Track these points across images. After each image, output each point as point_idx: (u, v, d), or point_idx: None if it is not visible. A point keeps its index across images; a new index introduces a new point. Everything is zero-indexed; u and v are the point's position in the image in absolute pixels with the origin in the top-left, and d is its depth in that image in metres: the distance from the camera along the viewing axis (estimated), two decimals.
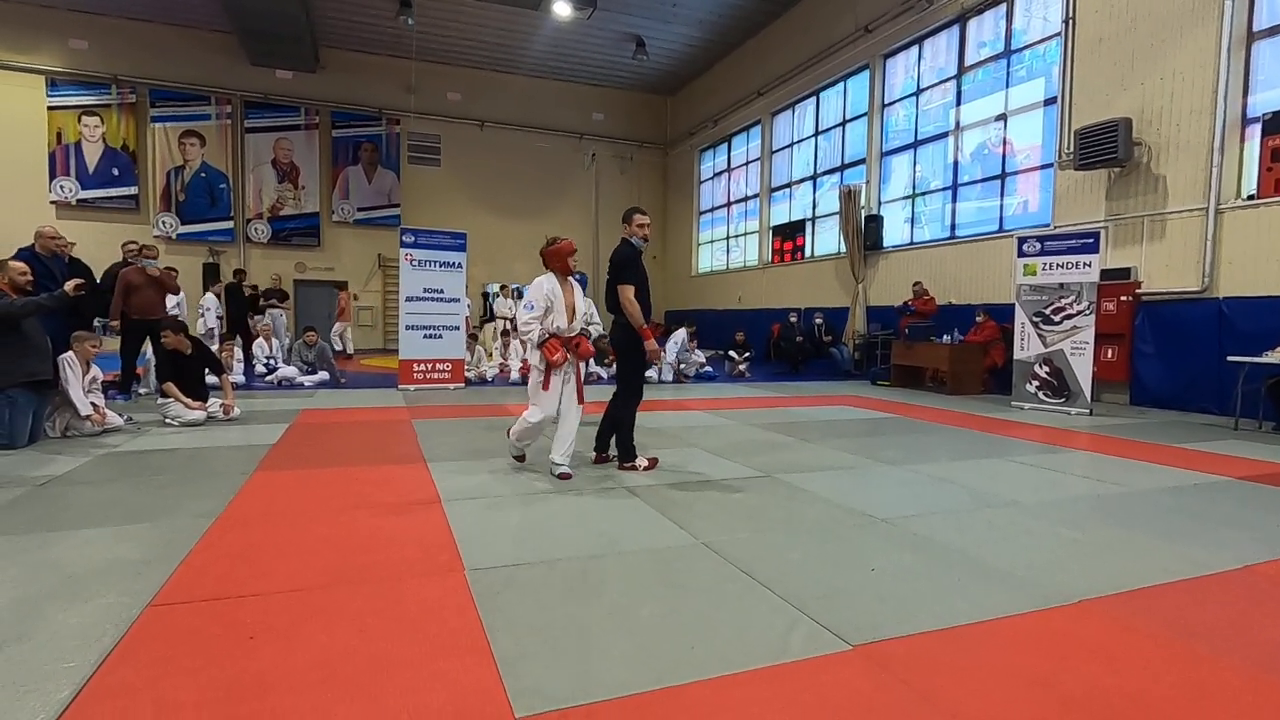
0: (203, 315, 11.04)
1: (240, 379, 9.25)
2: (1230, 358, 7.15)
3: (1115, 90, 8.91)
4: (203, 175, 17.34)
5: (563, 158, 20.56)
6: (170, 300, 8.22)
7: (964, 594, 2.60)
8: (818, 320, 13.72)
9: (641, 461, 4.63)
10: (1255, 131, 7.77)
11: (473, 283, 17.13)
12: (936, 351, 10.22)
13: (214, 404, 6.42)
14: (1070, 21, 9.46)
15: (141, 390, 8.04)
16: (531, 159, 20.18)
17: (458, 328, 9.66)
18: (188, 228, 17.23)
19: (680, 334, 11.69)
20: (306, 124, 18.11)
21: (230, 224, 17.66)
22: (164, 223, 16.99)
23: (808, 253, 15.68)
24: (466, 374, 10.04)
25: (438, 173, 19.56)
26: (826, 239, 15.04)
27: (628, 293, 4.44)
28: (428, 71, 18.72)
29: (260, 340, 10.43)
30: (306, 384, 9.46)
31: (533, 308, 4.29)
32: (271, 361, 9.87)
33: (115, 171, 16.64)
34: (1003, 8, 10.87)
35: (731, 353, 12.86)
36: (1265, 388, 6.92)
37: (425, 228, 10.25)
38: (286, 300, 13.77)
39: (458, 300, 9.64)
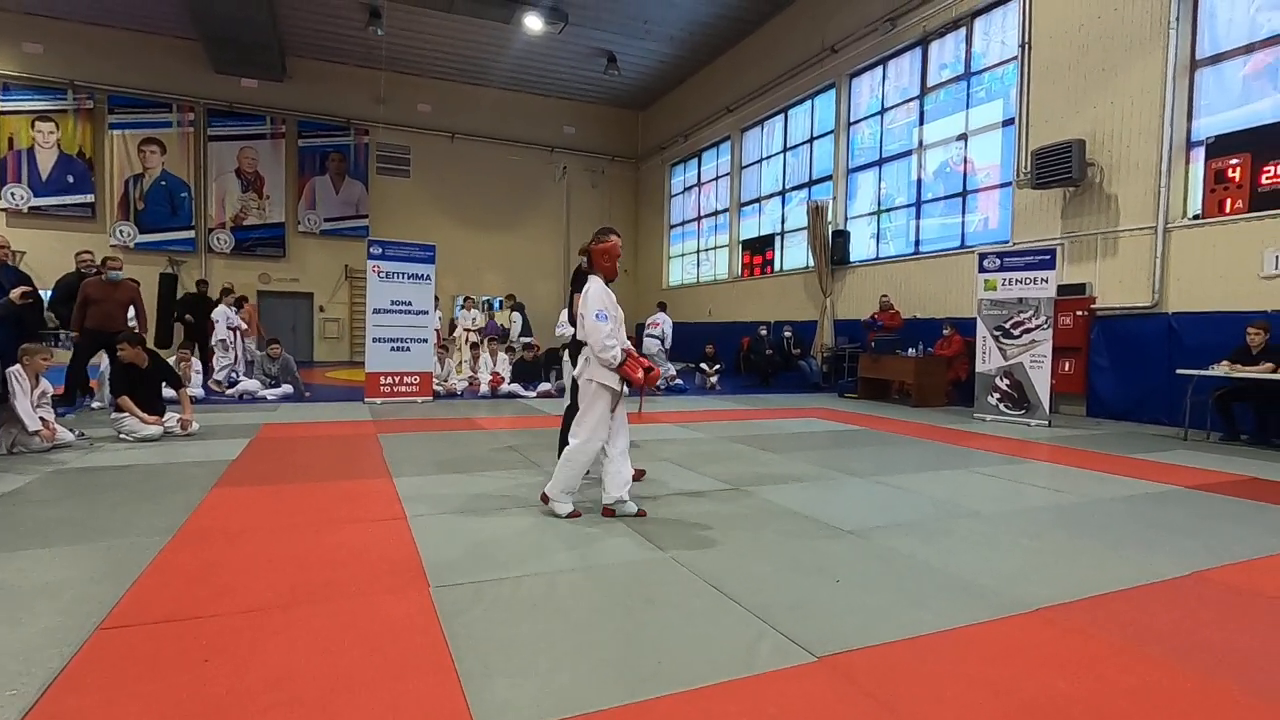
0: (216, 324, 10.78)
1: (199, 392, 9.01)
2: (1179, 371, 7.42)
3: (1069, 113, 9.25)
4: (163, 184, 16.96)
5: (534, 171, 20.57)
6: (129, 312, 7.99)
7: (927, 604, 2.64)
8: (787, 333, 13.89)
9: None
10: (1200, 154, 8.13)
11: (443, 294, 17.06)
12: (902, 365, 10.41)
13: (171, 419, 6.24)
14: (1026, 46, 9.81)
15: (94, 404, 7.78)
16: (502, 171, 20.15)
17: (426, 340, 9.56)
18: (147, 237, 16.81)
19: (660, 316, 11.85)
20: (272, 133, 17.85)
21: (191, 233, 17.28)
22: (121, 231, 16.55)
23: (777, 267, 15.89)
24: (435, 387, 9.92)
25: (407, 184, 19.41)
26: (795, 253, 15.27)
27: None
28: (397, 82, 18.62)
29: (220, 353, 10.18)
30: (269, 398, 9.25)
31: (606, 318, 3.59)
32: (233, 374, 9.63)
33: (70, 179, 16.18)
34: (963, 31, 11.23)
35: (702, 365, 12.93)
36: (1212, 399, 7.19)
37: (393, 239, 10.16)
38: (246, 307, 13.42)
39: (426, 312, 9.55)
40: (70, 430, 5.73)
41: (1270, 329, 6.84)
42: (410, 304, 9.35)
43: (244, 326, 11.03)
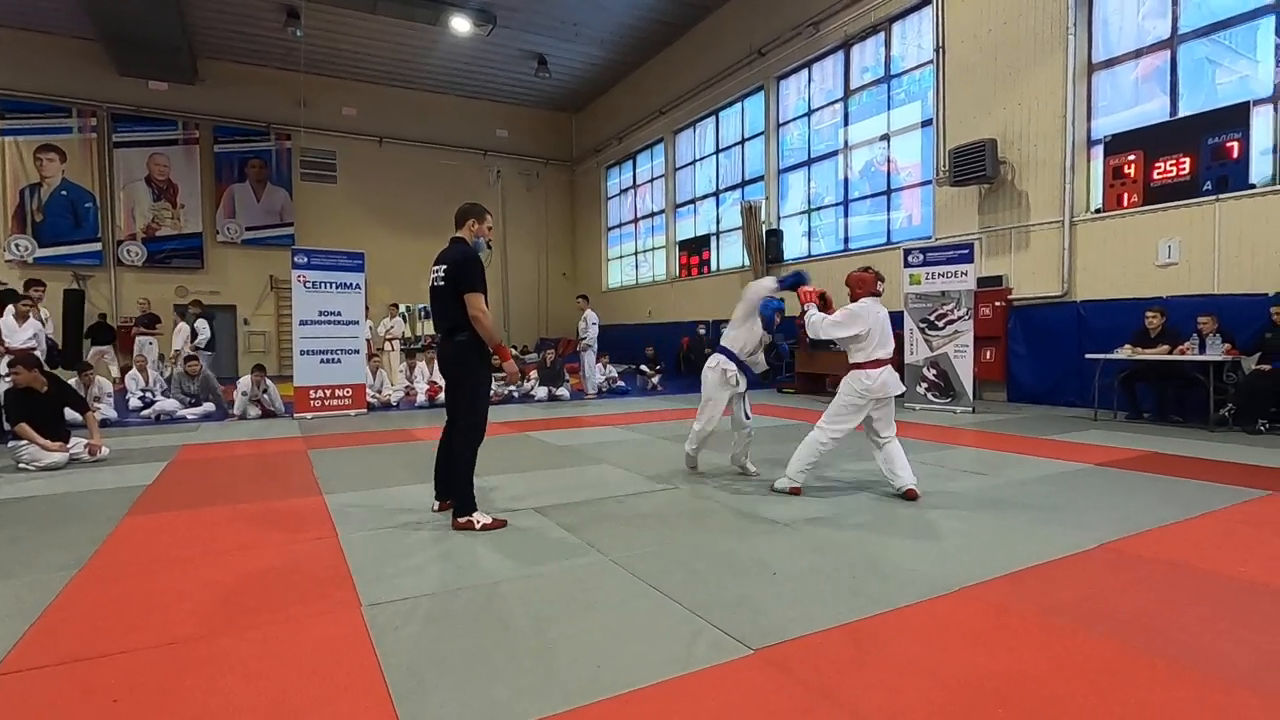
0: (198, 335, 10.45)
1: (111, 414, 8.46)
2: (1088, 355, 7.91)
3: (982, 113, 9.73)
4: (64, 193, 15.87)
5: (467, 175, 20.22)
6: (25, 330, 7.44)
7: (859, 591, 2.73)
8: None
9: (482, 518, 3.69)
10: (1099, 152, 8.68)
11: (377, 304, 16.56)
12: (834, 358, 10.71)
13: (77, 444, 5.84)
14: (941, 50, 10.26)
15: None
16: (434, 176, 19.71)
17: (358, 351, 9.26)
18: (48, 251, 15.68)
19: (589, 315, 11.59)
20: (185, 138, 16.95)
21: (98, 245, 16.23)
22: (17, 245, 15.39)
23: (714, 266, 16.11)
24: (369, 399, 9.62)
25: (334, 190, 18.78)
26: (731, 253, 15.52)
27: (479, 302, 3.65)
28: (320, 85, 17.99)
29: (134, 372, 9.59)
30: (189, 417, 8.77)
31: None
32: (148, 395, 9.09)
33: None
34: (882, 35, 11.65)
35: (643, 367, 12.98)
36: (1118, 381, 7.68)
37: (320, 248, 9.80)
38: (159, 326, 12.71)
39: (357, 323, 9.25)
40: None
41: (1166, 313, 7.36)
42: (339, 314, 9.04)
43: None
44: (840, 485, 4.65)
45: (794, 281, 4.72)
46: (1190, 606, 2.54)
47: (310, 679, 2.07)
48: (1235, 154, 7.35)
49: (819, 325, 4.37)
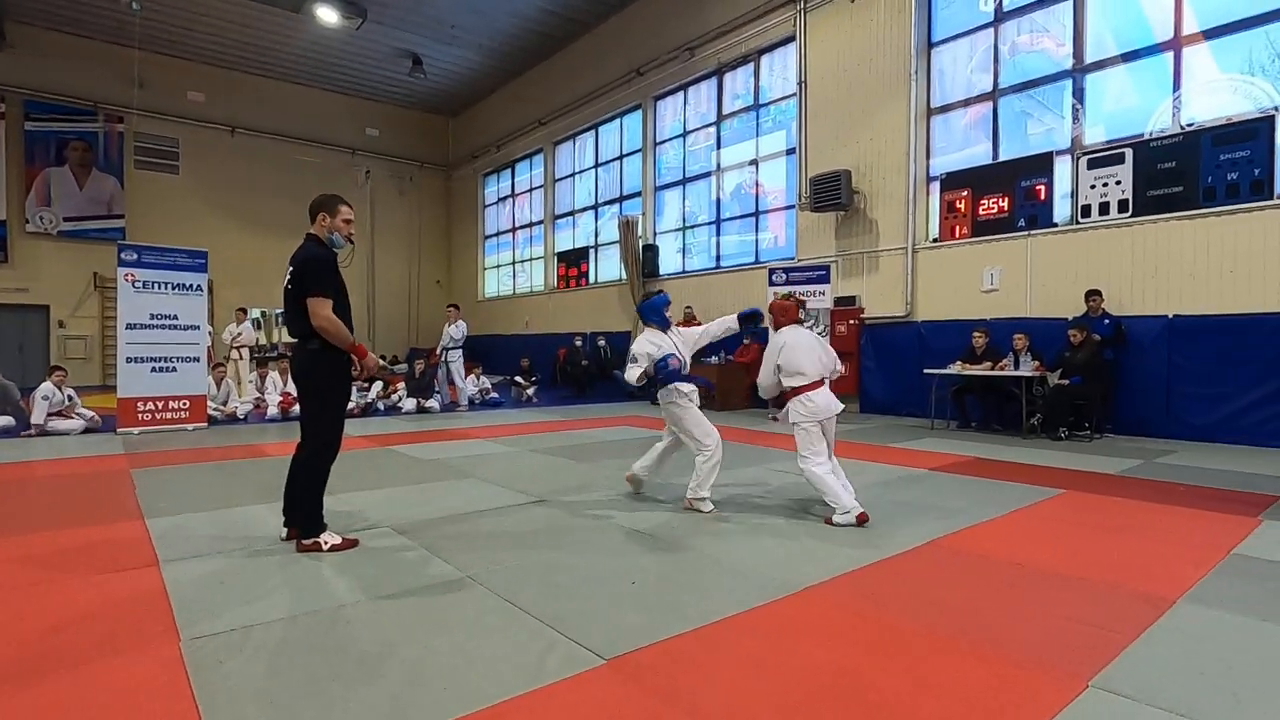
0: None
1: None
2: (926, 370, 8.72)
3: (838, 146, 10.52)
4: None
5: (332, 173, 19.02)
6: None
7: (711, 595, 2.82)
8: (601, 344, 14.19)
9: (330, 538, 3.45)
10: (936, 188, 9.65)
11: (225, 308, 15.17)
12: (706, 372, 11.09)
13: None
14: (803, 84, 11.00)
15: None
16: (295, 172, 18.36)
17: (197, 359, 8.41)
18: None
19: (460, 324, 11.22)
20: None
21: None
22: None
23: (591, 279, 16.20)
24: (212, 412, 8.76)
25: (175, 181, 17.02)
26: (608, 266, 15.69)
27: (322, 308, 3.37)
28: (161, 65, 16.30)
29: None
30: None
31: None
32: None
33: None
34: (752, 66, 12.32)
35: (518, 378, 12.78)
36: (951, 394, 8.53)
37: (155, 244, 8.82)
38: None
39: (197, 328, 8.40)
40: None
41: (990, 334, 8.28)
42: (176, 318, 8.17)
43: None
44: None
45: (751, 315, 4.75)
46: (993, 593, 2.85)
47: None
48: (1042, 196, 8.44)
49: (767, 381, 4.44)
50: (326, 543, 3.44)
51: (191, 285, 8.33)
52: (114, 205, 16.06)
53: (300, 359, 3.54)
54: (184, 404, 8.26)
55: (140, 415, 7.96)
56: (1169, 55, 7.72)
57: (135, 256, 8.01)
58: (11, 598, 2.82)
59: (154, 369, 8.03)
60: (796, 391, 4.27)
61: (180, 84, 16.81)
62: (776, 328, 4.55)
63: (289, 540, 3.56)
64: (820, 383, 4.32)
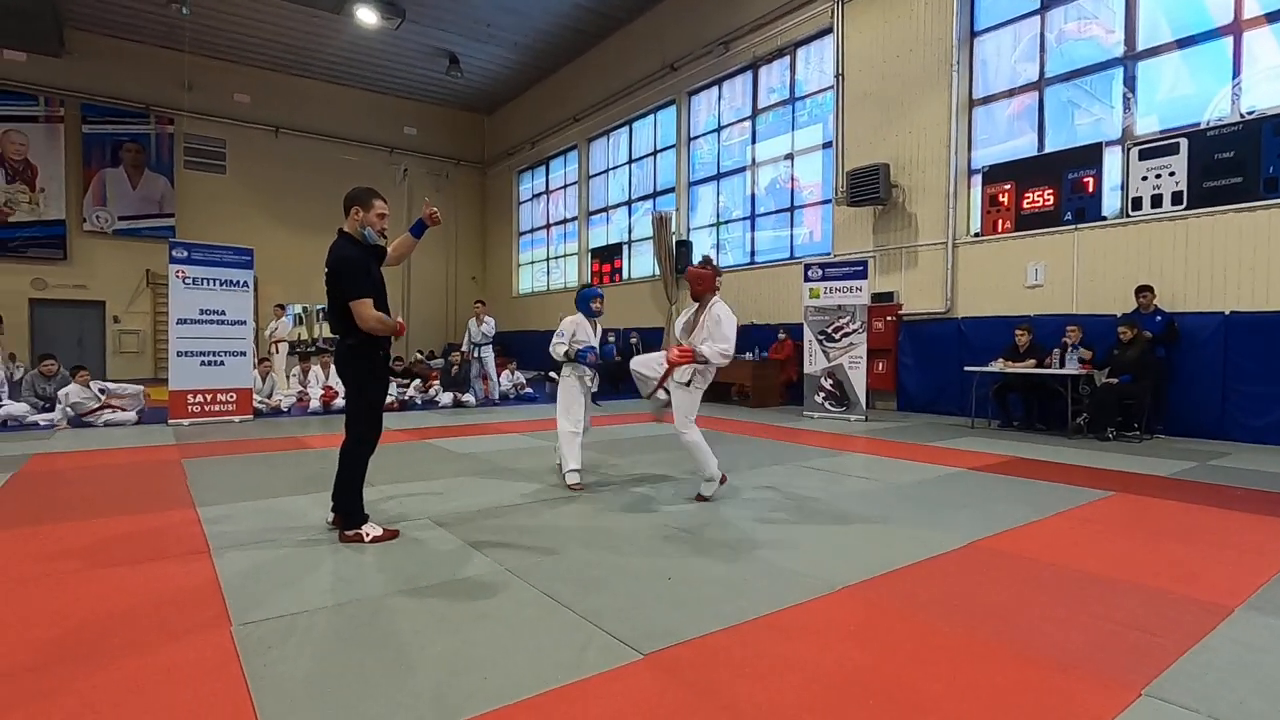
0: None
1: None
2: (966, 368, 8.53)
3: (877, 139, 10.34)
4: None
5: (372, 172, 19.38)
6: None
7: (747, 593, 2.81)
8: (633, 339, 14.21)
9: (372, 529, 3.52)
10: (978, 181, 9.41)
11: (267, 303, 15.59)
12: (741, 368, 11.03)
13: None
14: (840, 77, 10.83)
15: None
16: (336, 171, 18.75)
17: (244, 353, 8.68)
18: None
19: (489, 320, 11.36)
20: (47, 116, 15.38)
21: None
22: None
23: (625, 275, 16.22)
24: (257, 405, 9.03)
25: (222, 180, 17.56)
26: (642, 262, 15.69)
27: (366, 309, 3.39)
28: (208, 67, 16.81)
29: None
30: (42, 423, 7.92)
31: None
32: None
33: None
34: (788, 59, 12.17)
35: (551, 374, 12.85)
36: (992, 392, 8.33)
37: (204, 242, 9.12)
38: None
39: (244, 323, 8.67)
40: None
41: (1033, 330, 8.06)
42: (224, 314, 8.44)
43: None
44: (736, 491, 4.78)
45: (584, 354, 5.07)
46: (1036, 597, 2.78)
47: (163, 708, 1.91)
48: (1090, 189, 8.17)
49: (715, 354, 4.32)
50: (368, 534, 3.51)
51: (238, 281, 8.59)
52: (165, 204, 16.64)
53: (339, 354, 3.64)
54: (231, 397, 8.53)
55: (190, 407, 8.25)
56: (1228, 40, 7.39)
57: (185, 254, 8.30)
58: (70, 582, 2.95)
59: (203, 363, 8.32)
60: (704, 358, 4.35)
61: (227, 86, 17.32)
62: (696, 297, 4.50)
63: (333, 526, 3.66)
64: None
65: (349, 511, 3.56)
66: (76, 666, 2.16)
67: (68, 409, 7.93)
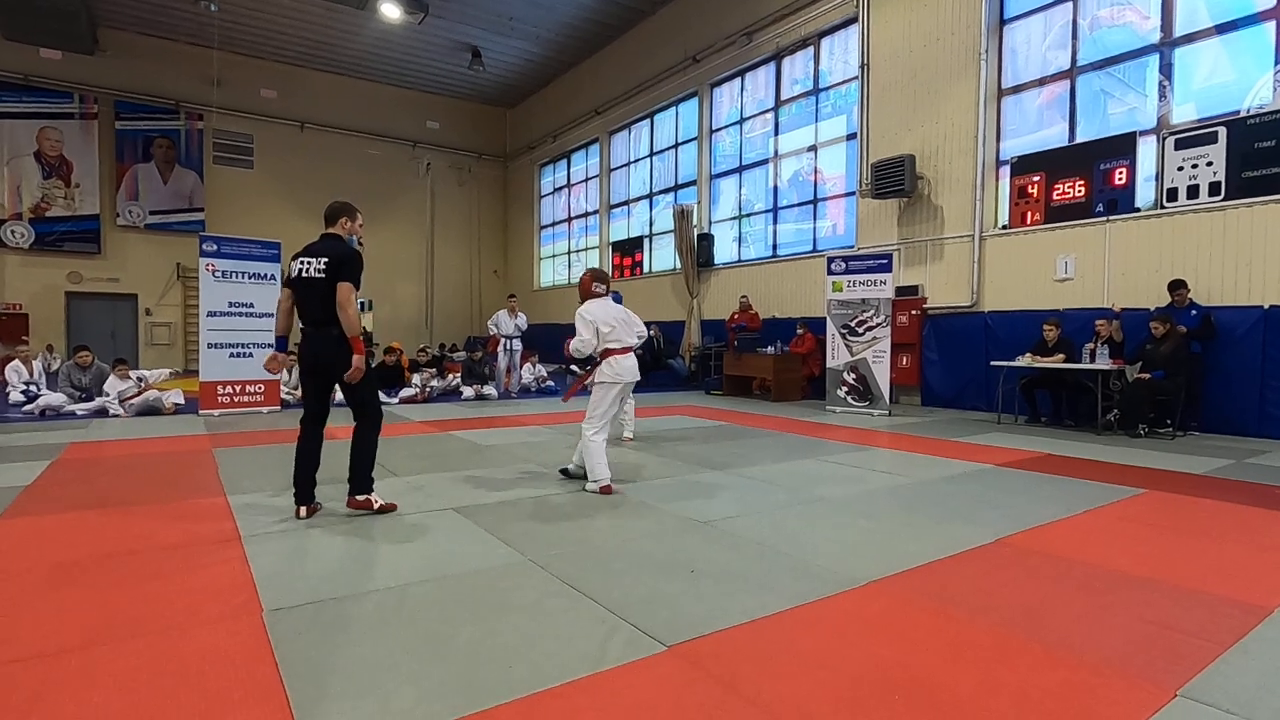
0: None
1: None
2: (993, 362, 8.39)
3: (902, 130, 10.18)
4: None
5: (395, 165, 19.62)
6: None
7: (771, 587, 2.80)
8: (653, 333, 14.21)
9: (379, 498, 3.94)
10: (1006, 172, 9.23)
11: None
12: (762, 362, 10.98)
13: None
14: (865, 68, 10.68)
15: None
16: (360, 165, 19.01)
17: (271, 345, 8.80)
18: None
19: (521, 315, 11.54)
20: (82, 113, 15.73)
21: None
22: None
23: (646, 268, 16.20)
24: (284, 395, 9.18)
25: (250, 175, 17.83)
26: (663, 255, 15.65)
27: (353, 295, 3.75)
28: (236, 64, 17.06)
29: (16, 363, 8.82)
30: (79, 413, 8.13)
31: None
32: (31, 388, 8.37)
33: None
34: (811, 50, 12.03)
35: (573, 367, 12.90)
36: (1019, 387, 8.19)
37: (232, 235, 9.28)
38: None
39: (271, 315, 8.79)
40: None
41: (1061, 325, 7.90)
42: (252, 306, 8.58)
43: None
44: (754, 483, 4.76)
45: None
46: (1067, 595, 2.73)
47: (199, 690, 1.95)
48: (1123, 179, 7.98)
49: (577, 348, 4.65)
50: (377, 502, 3.90)
51: (266, 275, 8.72)
52: (195, 199, 16.95)
53: (330, 341, 3.81)
54: (259, 388, 8.69)
55: (220, 398, 8.41)
56: (1270, 25, 7.16)
57: (215, 247, 8.44)
58: (109, 566, 3.03)
59: (232, 354, 8.47)
60: (608, 354, 4.68)
61: (254, 82, 17.56)
62: (583, 300, 4.91)
63: (307, 516, 3.83)
64: (628, 350, 4.76)
65: (364, 479, 3.93)
66: (115, 647, 2.22)
67: (114, 400, 8.15)
